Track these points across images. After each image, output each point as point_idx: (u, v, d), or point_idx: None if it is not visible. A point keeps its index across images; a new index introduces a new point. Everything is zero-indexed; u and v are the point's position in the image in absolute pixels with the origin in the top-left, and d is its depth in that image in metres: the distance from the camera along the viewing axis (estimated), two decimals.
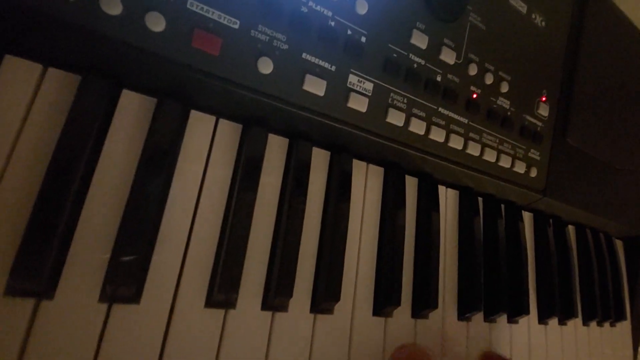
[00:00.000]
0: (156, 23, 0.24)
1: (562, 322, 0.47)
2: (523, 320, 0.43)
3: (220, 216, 0.28)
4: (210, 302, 0.26)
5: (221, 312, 0.26)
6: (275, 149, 0.31)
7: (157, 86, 0.27)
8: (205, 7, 0.25)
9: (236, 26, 0.26)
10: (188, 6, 0.25)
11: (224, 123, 0.29)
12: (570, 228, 0.52)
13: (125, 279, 0.23)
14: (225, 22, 0.26)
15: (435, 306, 0.34)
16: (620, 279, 0.53)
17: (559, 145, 0.44)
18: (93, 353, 0.22)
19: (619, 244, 0.58)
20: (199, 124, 0.28)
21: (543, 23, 0.42)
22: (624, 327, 0.55)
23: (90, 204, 0.24)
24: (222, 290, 0.26)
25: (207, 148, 0.28)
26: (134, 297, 0.24)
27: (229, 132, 0.29)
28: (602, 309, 0.50)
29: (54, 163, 0.22)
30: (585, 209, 0.46)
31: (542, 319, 0.45)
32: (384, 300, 0.32)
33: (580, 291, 0.50)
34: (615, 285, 0.52)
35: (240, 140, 0.30)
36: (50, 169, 0.22)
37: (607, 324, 0.52)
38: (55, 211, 0.22)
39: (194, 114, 0.28)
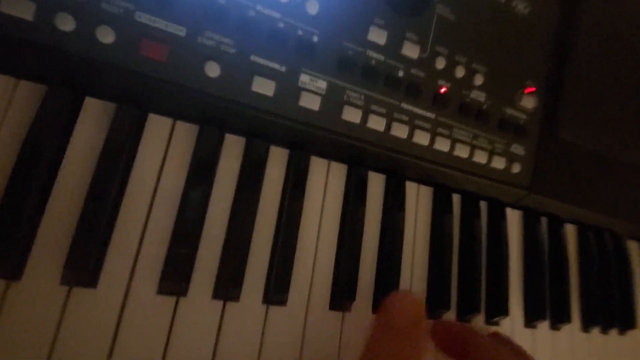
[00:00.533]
0: (106, 35, 0.26)
1: (554, 327, 0.44)
2: (506, 322, 0.41)
3: (175, 209, 0.30)
4: (161, 289, 0.28)
5: (172, 299, 0.29)
6: (232, 148, 0.33)
7: (117, 92, 0.29)
8: (152, 18, 0.27)
9: (182, 33, 0.28)
10: (135, 18, 0.27)
11: (180, 124, 0.31)
12: (571, 228, 0.49)
13: (81, 265, 0.26)
14: (171, 31, 0.28)
15: None
16: (629, 283, 0.48)
17: (548, 139, 0.42)
18: (53, 332, 0.25)
19: (634, 246, 0.53)
20: (156, 125, 0.31)
21: (526, 10, 0.40)
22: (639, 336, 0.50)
23: (55, 198, 0.27)
24: (172, 279, 0.28)
25: (164, 148, 0.31)
26: (91, 281, 0.27)
27: (186, 133, 0.31)
28: (604, 315, 0.46)
29: (19, 162, 0.26)
30: (580, 205, 0.43)
31: (529, 322, 0.42)
32: (340, 294, 0.33)
33: (581, 295, 0.47)
34: (623, 290, 0.48)
35: (196, 141, 0.32)
36: (16, 167, 0.25)
37: (614, 332, 0.48)
38: (21, 202, 0.25)
39: (152, 117, 0.31)
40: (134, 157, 0.29)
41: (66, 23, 0.26)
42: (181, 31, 0.28)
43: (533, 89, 0.40)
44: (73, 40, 0.26)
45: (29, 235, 0.26)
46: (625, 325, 0.48)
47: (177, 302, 0.29)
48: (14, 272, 0.25)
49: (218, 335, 0.29)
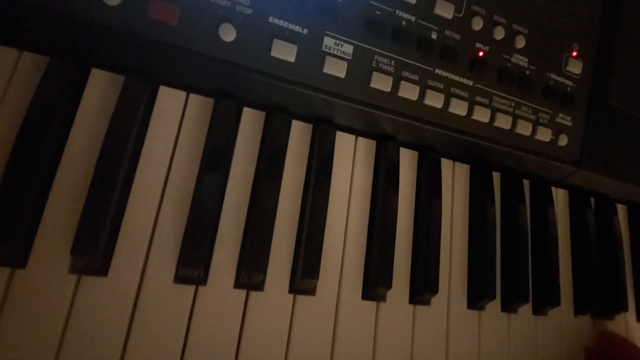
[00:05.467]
0: None
1: (607, 317, 0.40)
2: (555, 314, 0.37)
3: (190, 190, 0.27)
4: (178, 278, 0.26)
5: (191, 288, 0.26)
6: (251, 123, 0.30)
7: (124, 62, 0.27)
8: None
9: None
10: None
11: (194, 97, 0.29)
12: (621, 208, 0.44)
13: (90, 251, 0.23)
14: None
15: (434, 290, 0.31)
16: None
17: (598, 108, 0.37)
18: (62, 323, 0.23)
19: None
20: (169, 99, 0.28)
21: None
22: None
23: (60, 178, 0.25)
24: (190, 266, 0.25)
25: (177, 123, 0.28)
26: (101, 269, 0.24)
27: (201, 106, 0.29)
28: None
29: (20, 139, 0.23)
30: (634, 183, 0.38)
31: (579, 313, 0.38)
32: (373, 282, 0.30)
33: (636, 282, 0.42)
34: None
35: (211, 116, 0.29)
36: (18, 145, 0.23)
37: None
38: (23, 182, 0.23)
39: (163, 90, 0.28)
40: (144, 133, 0.27)
41: None
42: None
43: (577, 53, 0.36)
44: (77, 2, 0.23)
45: (33, 218, 0.23)
46: None
47: (196, 291, 0.26)
48: (18, 258, 0.23)
49: (242, 327, 0.26)
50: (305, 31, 0.28)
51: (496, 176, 0.38)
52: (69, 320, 0.23)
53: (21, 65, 0.25)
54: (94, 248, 0.23)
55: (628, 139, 0.39)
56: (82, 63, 0.26)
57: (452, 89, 0.32)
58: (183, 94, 0.28)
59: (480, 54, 0.33)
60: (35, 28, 0.24)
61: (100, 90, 0.26)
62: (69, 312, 0.23)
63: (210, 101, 0.29)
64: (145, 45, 0.25)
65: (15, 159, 0.23)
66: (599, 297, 0.39)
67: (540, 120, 0.35)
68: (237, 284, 0.27)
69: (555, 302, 0.35)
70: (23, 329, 0.22)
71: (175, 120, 0.28)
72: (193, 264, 0.25)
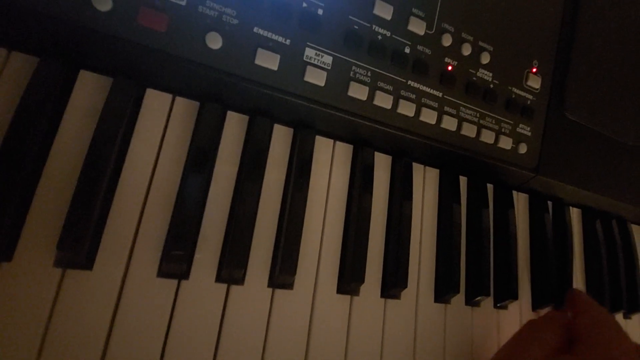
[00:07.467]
0: (103, 3, 0.25)
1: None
2: (514, 306, 0.41)
3: (175, 188, 0.28)
4: (161, 272, 0.27)
5: (174, 282, 0.27)
6: (234, 126, 0.32)
7: (113, 65, 0.28)
8: None
9: (183, 2, 0.27)
10: None
11: (180, 100, 0.30)
12: (576, 211, 0.49)
13: (76, 245, 0.24)
14: None
15: (404, 285, 0.33)
16: (634, 267, 0.48)
17: (555, 120, 0.41)
18: (46, 317, 0.24)
19: (638, 230, 0.53)
20: (155, 101, 0.29)
21: None
22: None
23: (48, 174, 0.25)
24: (173, 261, 0.26)
25: (163, 125, 0.29)
26: (86, 263, 0.25)
27: (186, 109, 0.30)
28: (611, 299, 0.46)
29: (8, 137, 0.24)
30: (586, 188, 0.42)
31: (536, 306, 0.42)
32: (348, 277, 0.32)
33: (586, 279, 0.46)
34: (628, 273, 0.47)
35: (196, 118, 0.30)
36: (5, 143, 0.24)
37: (619, 316, 0.48)
38: (10, 177, 0.23)
39: (150, 92, 0.29)
40: (131, 134, 0.28)
41: None
42: (182, 0, 0.27)
43: (536, 69, 0.40)
44: (67, 7, 0.24)
45: (19, 213, 0.24)
46: (631, 308, 0.48)
47: (178, 285, 0.27)
48: (4, 251, 0.23)
49: (222, 320, 0.28)
50: (288, 42, 0.30)
51: (463, 180, 0.41)
52: (54, 313, 0.24)
53: (10, 65, 0.26)
54: (80, 243, 0.24)
55: (582, 148, 0.43)
56: (70, 64, 0.27)
57: (423, 99, 0.35)
58: (169, 96, 0.30)
59: (449, 68, 0.36)
60: (25, 29, 0.25)
61: (88, 92, 0.27)
62: (54, 304, 0.24)
63: (195, 104, 0.31)
64: (134, 51, 0.26)
65: (3, 155, 0.24)
66: (555, 292, 0.43)
67: (502, 130, 0.38)
68: (219, 279, 0.28)
69: (514, 295, 0.38)
70: (7, 321, 0.23)
71: (161, 122, 0.29)
72: (176, 259, 0.26)
